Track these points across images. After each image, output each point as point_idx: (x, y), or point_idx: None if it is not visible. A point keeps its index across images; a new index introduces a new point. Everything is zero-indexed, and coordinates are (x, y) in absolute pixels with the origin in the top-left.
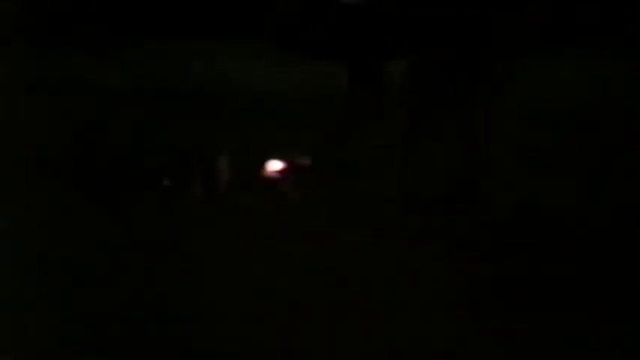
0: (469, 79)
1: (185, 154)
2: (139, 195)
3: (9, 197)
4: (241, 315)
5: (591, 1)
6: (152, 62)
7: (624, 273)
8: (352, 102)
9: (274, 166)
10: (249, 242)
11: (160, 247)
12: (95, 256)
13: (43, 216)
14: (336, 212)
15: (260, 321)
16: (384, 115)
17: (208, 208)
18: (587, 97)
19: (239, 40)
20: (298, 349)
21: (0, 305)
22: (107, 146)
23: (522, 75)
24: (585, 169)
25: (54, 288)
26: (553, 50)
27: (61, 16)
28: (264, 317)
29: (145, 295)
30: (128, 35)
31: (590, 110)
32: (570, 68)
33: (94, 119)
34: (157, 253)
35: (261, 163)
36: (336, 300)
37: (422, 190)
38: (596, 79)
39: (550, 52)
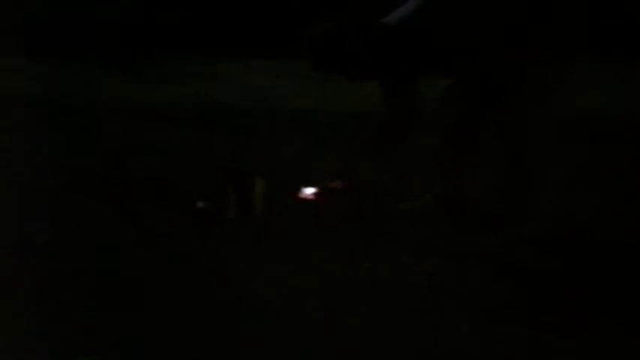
0: (506, 94)
1: (221, 175)
2: (173, 215)
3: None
4: (273, 336)
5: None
6: (192, 81)
7: None
8: (387, 123)
9: (309, 188)
10: (284, 263)
11: (193, 268)
12: (127, 277)
13: (72, 230)
14: (372, 233)
15: (293, 343)
16: (418, 135)
17: (243, 230)
18: (629, 108)
19: (277, 60)
20: None
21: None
22: (141, 165)
23: (564, 86)
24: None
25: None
26: (595, 61)
27: (94, 33)
28: (298, 339)
29: (177, 317)
30: (166, 54)
31: (632, 120)
32: (613, 78)
33: (125, 137)
34: (188, 274)
35: (297, 185)
36: (372, 318)
37: (461, 208)
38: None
39: (592, 63)
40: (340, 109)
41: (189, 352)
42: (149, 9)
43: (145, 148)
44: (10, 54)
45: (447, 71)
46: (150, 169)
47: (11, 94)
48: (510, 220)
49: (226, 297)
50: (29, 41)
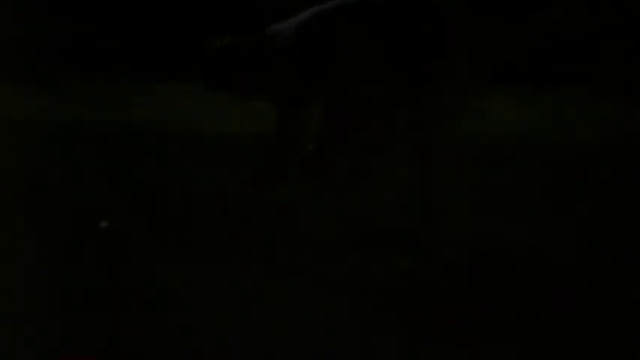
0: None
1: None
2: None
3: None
4: None
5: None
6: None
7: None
8: (279, 141)
9: None
10: None
11: None
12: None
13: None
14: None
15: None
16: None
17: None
18: (530, 134)
19: (178, 81)
20: None
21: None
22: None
23: (462, 113)
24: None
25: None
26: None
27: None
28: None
29: None
30: (78, 74)
31: (535, 148)
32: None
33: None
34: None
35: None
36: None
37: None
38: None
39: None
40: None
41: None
42: (76, 28)
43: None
44: None
45: (335, 89)
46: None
47: None
48: (424, 244)
49: None
50: None
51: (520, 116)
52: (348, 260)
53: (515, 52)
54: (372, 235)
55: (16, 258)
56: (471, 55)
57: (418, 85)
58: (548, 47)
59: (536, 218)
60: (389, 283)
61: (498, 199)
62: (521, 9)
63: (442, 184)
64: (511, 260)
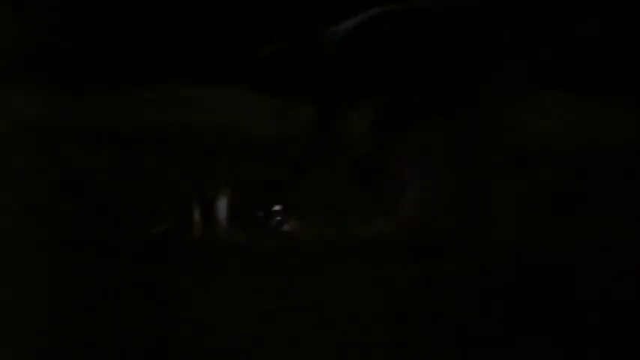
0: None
1: (183, 196)
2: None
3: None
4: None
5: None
6: (162, 107)
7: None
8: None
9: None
10: (250, 280)
11: (159, 289)
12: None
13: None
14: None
15: None
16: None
17: (208, 249)
18: (580, 140)
19: (226, 85)
20: None
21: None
22: (105, 189)
23: (513, 116)
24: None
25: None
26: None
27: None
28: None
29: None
30: (124, 79)
31: (585, 153)
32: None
33: (93, 163)
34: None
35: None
36: (336, 340)
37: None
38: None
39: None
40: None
41: None
42: (121, 33)
43: (111, 174)
44: None
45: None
46: (118, 193)
47: None
48: (472, 248)
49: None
50: None
51: (568, 119)
52: (393, 262)
53: (559, 56)
54: (418, 237)
55: None
56: (518, 60)
57: (468, 92)
58: (592, 52)
59: (588, 221)
60: (435, 285)
61: (547, 201)
62: (565, 16)
63: (491, 188)
64: (560, 266)
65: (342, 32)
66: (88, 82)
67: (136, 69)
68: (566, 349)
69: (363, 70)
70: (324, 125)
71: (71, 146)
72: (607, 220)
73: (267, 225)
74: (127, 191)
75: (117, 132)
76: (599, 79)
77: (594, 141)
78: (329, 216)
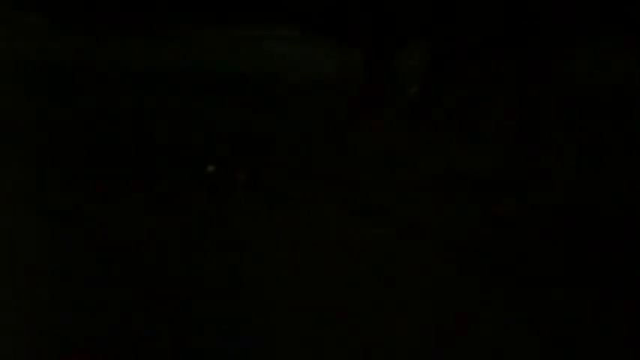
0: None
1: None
2: (186, 179)
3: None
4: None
5: None
6: (203, 48)
7: None
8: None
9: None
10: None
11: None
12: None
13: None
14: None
15: None
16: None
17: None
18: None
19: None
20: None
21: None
22: (154, 130)
23: (567, 64)
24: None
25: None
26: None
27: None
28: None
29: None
30: (170, 21)
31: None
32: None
33: (138, 103)
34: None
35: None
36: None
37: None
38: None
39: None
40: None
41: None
42: None
43: (158, 114)
44: (9, 19)
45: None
46: (163, 134)
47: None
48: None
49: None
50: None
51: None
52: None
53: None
54: (471, 177)
55: None
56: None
57: (524, 39)
58: None
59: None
60: (485, 226)
61: (593, 147)
62: None
63: (541, 132)
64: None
65: None
66: (124, 18)
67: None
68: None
69: (411, 11)
70: (376, 64)
71: (104, 86)
72: None
73: None
74: (171, 134)
75: (155, 72)
76: None
77: None
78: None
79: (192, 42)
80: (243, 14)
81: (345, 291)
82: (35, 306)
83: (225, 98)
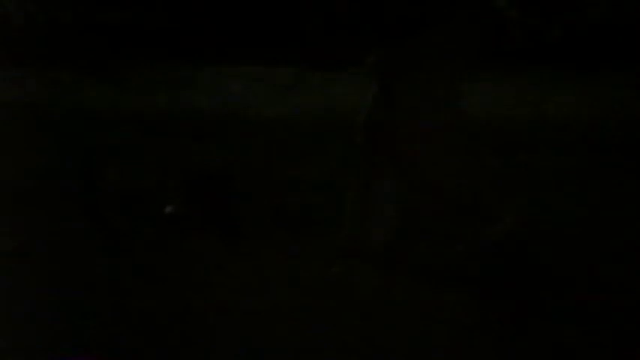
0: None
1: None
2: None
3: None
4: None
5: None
6: (168, 88)
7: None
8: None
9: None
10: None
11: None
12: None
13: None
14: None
15: None
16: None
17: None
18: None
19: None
20: None
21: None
22: (114, 170)
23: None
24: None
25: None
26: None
27: (73, 41)
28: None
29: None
30: (143, 61)
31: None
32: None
33: (98, 143)
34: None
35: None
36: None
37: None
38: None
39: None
40: (317, 116)
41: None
42: (124, 13)
43: (117, 154)
44: None
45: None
46: (122, 173)
47: None
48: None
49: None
50: (5, 48)
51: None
52: None
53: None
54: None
55: None
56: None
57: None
58: (589, 32)
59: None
60: None
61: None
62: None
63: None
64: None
65: None
66: (89, 62)
67: (141, 49)
68: None
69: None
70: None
71: (68, 127)
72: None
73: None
74: (130, 174)
75: (118, 113)
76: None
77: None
78: None
79: (144, 81)
80: (199, 54)
81: None
82: None
83: (188, 139)
